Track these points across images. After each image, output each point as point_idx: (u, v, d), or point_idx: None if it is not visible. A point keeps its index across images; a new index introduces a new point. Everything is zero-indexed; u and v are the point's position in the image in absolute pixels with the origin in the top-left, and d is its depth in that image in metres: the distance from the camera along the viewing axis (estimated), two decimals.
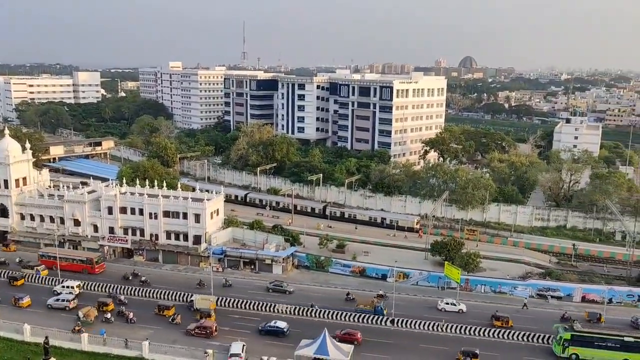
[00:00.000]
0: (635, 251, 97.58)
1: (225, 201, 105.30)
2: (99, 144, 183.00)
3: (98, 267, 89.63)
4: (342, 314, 75.78)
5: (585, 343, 65.28)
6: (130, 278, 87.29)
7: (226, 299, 78.76)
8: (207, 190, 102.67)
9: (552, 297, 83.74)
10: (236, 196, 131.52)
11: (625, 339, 64.67)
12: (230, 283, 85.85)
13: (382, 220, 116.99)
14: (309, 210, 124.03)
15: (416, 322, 73.75)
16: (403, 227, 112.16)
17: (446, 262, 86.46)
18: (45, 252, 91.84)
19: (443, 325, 72.28)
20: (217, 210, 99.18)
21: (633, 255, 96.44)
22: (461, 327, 72.43)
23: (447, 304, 79.08)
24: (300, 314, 75.97)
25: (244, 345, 64.54)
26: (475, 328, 72.20)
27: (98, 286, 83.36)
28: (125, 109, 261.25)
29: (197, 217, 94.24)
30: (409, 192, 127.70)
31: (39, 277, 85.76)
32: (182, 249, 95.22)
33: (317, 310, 76.38)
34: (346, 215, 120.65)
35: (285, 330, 70.46)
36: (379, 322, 74.53)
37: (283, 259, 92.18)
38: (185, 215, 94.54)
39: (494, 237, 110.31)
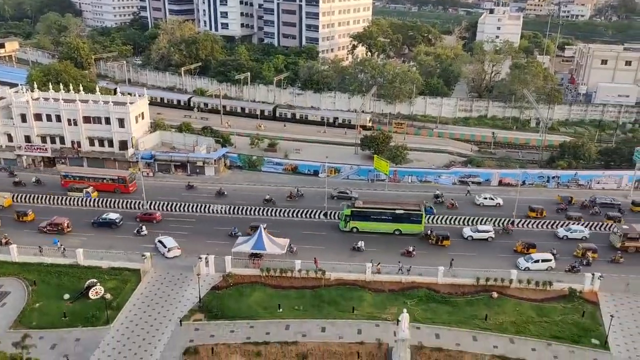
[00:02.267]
0: (547, 137, 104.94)
1: (150, 104, 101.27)
2: (2, 45, 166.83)
3: (132, 185, 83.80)
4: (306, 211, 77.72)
5: (362, 217, 72.18)
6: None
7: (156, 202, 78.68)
8: (130, 94, 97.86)
9: (473, 182, 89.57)
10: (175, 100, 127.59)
11: (397, 211, 71.73)
12: (193, 185, 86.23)
13: (335, 119, 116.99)
14: (252, 112, 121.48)
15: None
16: (354, 125, 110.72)
17: (375, 156, 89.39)
18: (68, 172, 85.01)
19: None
20: (142, 113, 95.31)
21: (545, 141, 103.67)
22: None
23: (485, 198, 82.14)
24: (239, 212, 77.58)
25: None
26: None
27: None
28: (27, 6, 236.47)
29: (121, 122, 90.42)
30: (337, 88, 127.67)
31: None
32: (108, 155, 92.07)
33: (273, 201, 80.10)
34: (297, 117, 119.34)
35: (117, 221, 73.08)
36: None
37: (215, 160, 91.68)
38: (108, 120, 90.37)
39: (420, 130, 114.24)
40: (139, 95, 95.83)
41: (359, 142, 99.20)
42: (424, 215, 71.79)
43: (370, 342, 52.09)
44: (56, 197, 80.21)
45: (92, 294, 57.79)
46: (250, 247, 63.56)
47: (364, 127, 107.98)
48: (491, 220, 75.37)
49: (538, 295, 59.75)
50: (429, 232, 70.88)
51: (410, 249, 67.22)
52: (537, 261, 64.24)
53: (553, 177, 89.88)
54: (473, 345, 52.06)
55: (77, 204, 79.60)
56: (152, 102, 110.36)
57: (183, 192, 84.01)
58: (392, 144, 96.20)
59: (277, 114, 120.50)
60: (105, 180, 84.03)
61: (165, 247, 65.97)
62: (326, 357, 50.35)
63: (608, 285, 60.88)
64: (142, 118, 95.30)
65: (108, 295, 57.66)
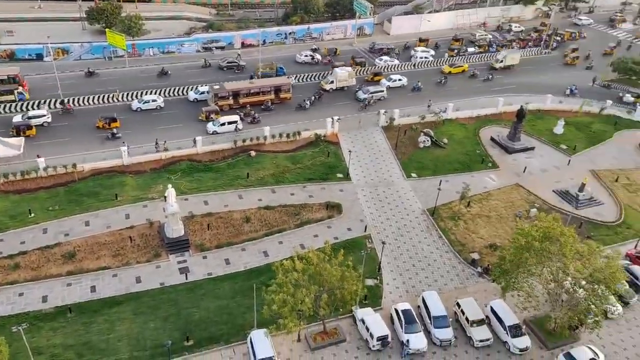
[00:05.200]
0: None
1: None
2: None
3: None
4: None
5: None
6: None
7: None
8: None
9: (217, 47, 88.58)
10: None
11: None
12: None
13: None
14: None
15: None
16: None
17: (107, 30, 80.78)
18: None
19: None
20: None
21: None
22: None
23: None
24: None
25: None
26: None
27: None
28: None
29: None
30: None
31: None
32: None
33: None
34: None
35: None
36: None
37: None
38: None
39: None
40: None
41: (85, 15, 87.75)
42: None
43: (141, 224, 51.48)
44: None
45: None
46: None
47: None
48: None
49: (291, 146, 65.28)
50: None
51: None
52: (223, 124, 66.01)
53: (289, 34, 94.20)
54: (240, 203, 55.48)
55: None
56: None
57: None
58: (124, 14, 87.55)
59: None
60: None
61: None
62: (96, 250, 48.34)
63: (346, 125, 69.46)
64: None
65: None
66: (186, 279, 46.82)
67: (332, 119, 68.14)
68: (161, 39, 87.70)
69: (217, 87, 71.68)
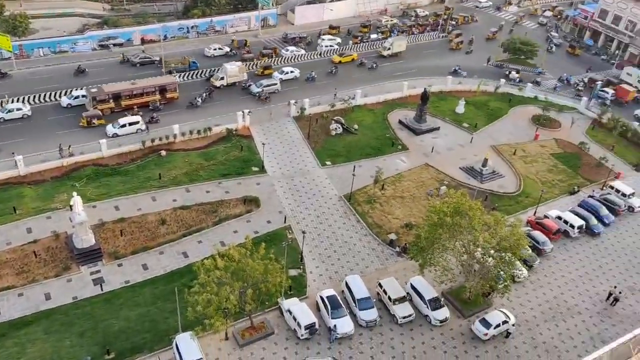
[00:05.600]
0: None
1: None
2: None
3: None
4: None
5: None
6: None
7: None
8: None
9: (114, 45, 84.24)
10: None
11: None
12: None
13: None
14: None
15: None
16: None
17: None
18: None
19: None
20: None
21: None
22: None
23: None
24: None
25: None
26: None
27: None
28: None
29: None
30: None
31: None
32: None
33: None
34: None
35: None
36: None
37: None
38: None
39: None
40: None
41: None
42: None
43: (46, 237, 48.20)
44: None
45: None
46: None
47: None
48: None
49: (202, 143, 63.75)
50: None
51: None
52: (124, 125, 62.72)
53: (192, 27, 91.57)
54: (154, 205, 53.48)
55: None
56: None
57: None
58: (7, 13, 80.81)
59: None
60: None
61: None
62: None
63: (258, 117, 68.85)
64: None
65: None
66: (102, 290, 44.55)
67: (243, 112, 67.29)
68: (51, 38, 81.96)
69: (94, 90, 66.74)
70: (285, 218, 53.89)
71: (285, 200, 56.81)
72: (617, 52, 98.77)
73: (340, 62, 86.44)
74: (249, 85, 75.74)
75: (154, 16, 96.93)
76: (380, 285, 46.33)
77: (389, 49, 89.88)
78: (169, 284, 44.56)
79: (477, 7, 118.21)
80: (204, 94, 72.43)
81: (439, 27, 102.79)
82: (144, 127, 63.76)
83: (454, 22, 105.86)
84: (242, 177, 59.26)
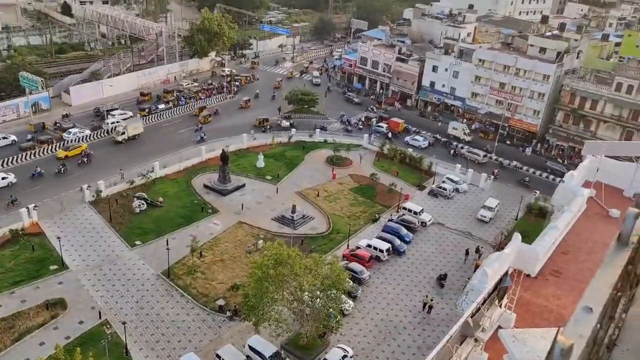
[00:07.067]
0: None
1: None
2: None
3: None
4: None
5: None
6: None
7: None
8: None
9: None
10: None
11: None
12: None
13: None
14: None
15: None
16: None
17: None
18: None
19: None
20: None
21: None
22: None
23: None
24: None
25: None
26: None
27: None
28: None
29: None
30: None
31: None
32: None
33: None
34: None
35: None
36: None
37: None
38: None
39: None
40: None
41: None
42: None
43: None
44: None
45: None
46: None
47: None
48: None
49: None
50: None
51: None
52: None
53: None
54: None
55: None
56: None
57: None
58: None
59: None
60: None
61: None
62: None
63: (46, 211, 62.02)
64: None
65: None
66: None
67: (28, 208, 60.06)
68: None
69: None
70: (100, 313, 48.69)
71: (97, 293, 51.53)
72: (381, 91, 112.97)
73: (66, 156, 74.57)
74: None
75: None
76: (218, 356, 44.36)
77: (123, 133, 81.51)
78: None
79: (252, 67, 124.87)
80: None
81: (225, 89, 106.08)
82: None
83: (237, 83, 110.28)
84: (40, 280, 52.30)
